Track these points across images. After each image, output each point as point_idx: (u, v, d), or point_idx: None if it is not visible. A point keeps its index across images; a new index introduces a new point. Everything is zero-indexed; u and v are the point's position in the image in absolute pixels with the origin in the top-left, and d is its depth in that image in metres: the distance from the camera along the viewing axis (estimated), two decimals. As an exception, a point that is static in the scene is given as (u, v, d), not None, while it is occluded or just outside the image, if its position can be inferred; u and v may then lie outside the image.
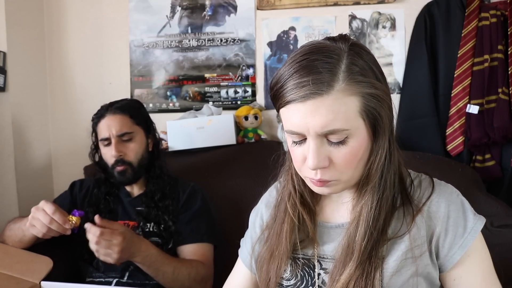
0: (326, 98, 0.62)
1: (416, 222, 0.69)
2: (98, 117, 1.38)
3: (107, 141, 1.33)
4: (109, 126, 1.33)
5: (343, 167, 0.65)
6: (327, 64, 0.62)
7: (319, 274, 0.74)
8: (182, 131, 1.66)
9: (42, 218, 1.07)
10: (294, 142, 0.68)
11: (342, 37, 0.67)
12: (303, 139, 0.66)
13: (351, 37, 0.68)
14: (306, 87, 0.62)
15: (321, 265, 0.74)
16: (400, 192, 0.72)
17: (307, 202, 0.77)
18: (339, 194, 0.77)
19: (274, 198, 0.84)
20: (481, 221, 0.71)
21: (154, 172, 1.39)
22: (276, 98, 0.68)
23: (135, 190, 1.39)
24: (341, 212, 0.76)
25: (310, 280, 0.74)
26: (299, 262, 0.75)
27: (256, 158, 1.66)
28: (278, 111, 0.70)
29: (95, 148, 1.42)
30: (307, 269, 0.75)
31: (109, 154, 1.33)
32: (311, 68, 0.62)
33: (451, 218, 0.69)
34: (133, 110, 1.38)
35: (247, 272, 0.87)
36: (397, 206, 0.71)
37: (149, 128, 1.42)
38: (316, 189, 0.70)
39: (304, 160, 0.67)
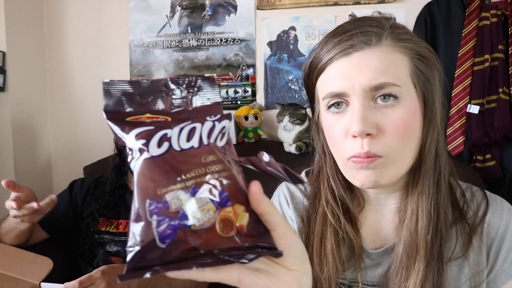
0: (375, 50, 0.54)
1: (474, 245, 0.59)
2: None
3: None
4: None
5: (393, 137, 0.54)
6: (373, 22, 0.57)
7: None
8: (182, 131, 1.66)
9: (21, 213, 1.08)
10: (333, 113, 0.58)
11: (384, 16, 0.62)
12: (344, 106, 0.57)
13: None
14: (353, 38, 0.55)
15: None
16: (451, 205, 0.62)
17: (348, 209, 0.64)
18: (381, 201, 0.65)
19: (296, 194, 0.71)
20: None
21: None
22: (312, 69, 0.60)
23: None
24: (384, 229, 0.64)
25: None
26: None
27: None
28: (314, 87, 0.62)
29: None
30: None
31: None
32: (357, 24, 0.57)
33: (506, 240, 0.59)
34: None
35: None
36: (450, 223, 0.60)
37: None
38: (361, 176, 0.57)
39: (347, 134, 0.56)
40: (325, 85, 0.58)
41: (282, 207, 0.72)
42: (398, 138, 0.55)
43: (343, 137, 0.57)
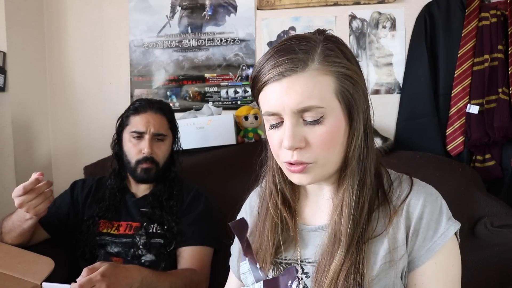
0: (301, 75, 0.63)
1: (394, 223, 0.68)
2: (136, 109, 1.37)
3: (140, 135, 1.33)
4: (148, 122, 1.34)
5: (319, 148, 0.65)
6: (303, 46, 0.65)
7: (301, 279, 0.73)
8: (182, 131, 1.66)
9: (29, 197, 1.08)
10: (271, 126, 0.69)
11: (319, 30, 0.70)
12: (280, 122, 0.67)
13: (327, 31, 0.71)
14: (282, 65, 0.64)
15: (302, 269, 0.73)
16: (378, 192, 0.71)
17: (287, 201, 0.77)
18: (317, 192, 0.76)
19: (255, 202, 0.84)
20: (453, 227, 0.68)
21: (169, 176, 1.40)
22: (255, 84, 0.69)
23: (140, 190, 1.39)
24: (321, 214, 0.75)
25: None
26: (281, 267, 0.74)
27: (256, 158, 1.66)
28: (257, 100, 0.71)
29: (118, 139, 1.41)
30: None
31: (136, 149, 1.33)
32: (287, 50, 0.65)
33: (423, 219, 0.68)
34: (171, 115, 1.43)
35: (236, 281, 0.86)
36: (374, 208, 0.70)
37: (176, 134, 1.46)
38: (295, 177, 0.69)
39: (281, 144, 0.67)
40: (263, 103, 0.69)
41: (242, 214, 0.87)
42: (324, 148, 0.66)
43: (278, 145, 0.68)
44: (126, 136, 1.36)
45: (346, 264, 0.65)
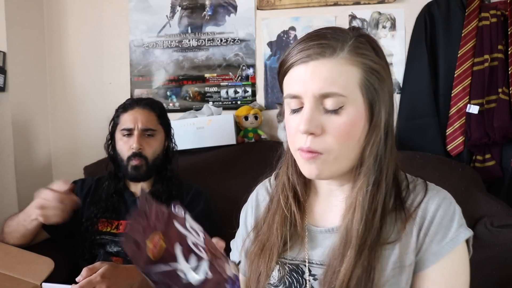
0: (328, 61, 0.63)
1: (407, 228, 0.67)
2: (124, 107, 1.39)
3: (129, 132, 1.34)
4: (136, 118, 1.35)
5: (335, 138, 0.64)
6: (335, 35, 0.65)
7: (308, 281, 0.71)
8: (182, 131, 1.66)
9: (51, 199, 1.09)
10: (291, 110, 0.68)
11: (354, 27, 0.70)
12: (300, 107, 0.67)
13: (362, 29, 0.70)
14: (311, 49, 0.64)
15: (310, 271, 0.72)
16: (394, 195, 0.69)
17: (298, 196, 0.76)
18: (329, 192, 0.75)
19: (262, 196, 0.84)
20: (464, 234, 0.67)
21: (165, 175, 1.40)
22: (281, 67, 0.69)
23: (140, 189, 1.39)
24: (332, 215, 0.73)
25: (299, 286, 0.72)
26: (286, 268, 0.73)
27: (256, 158, 1.66)
28: (282, 83, 0.70)
29: (111, 139, 1.42)
30: (295, 274, 0.72)
31: (127, 146, 1.34)
32: (319, 36, 0.65)
33: (434, 222, 0.66)
34: (160, 110, 1.43)
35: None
36: (389, 210, 0.68)
37: (169, 131, 1.45)
38: (306, 168, 0.67)
39: (297, 129, 0.66)
40: (287, 86, 0.68)
41: (247, 213, 0.86)
42: (338, 140, 0.64)
43: (295, 130, 0.67)
44: (118, 135, 1.37)
45: (357, 270, 0.63)
